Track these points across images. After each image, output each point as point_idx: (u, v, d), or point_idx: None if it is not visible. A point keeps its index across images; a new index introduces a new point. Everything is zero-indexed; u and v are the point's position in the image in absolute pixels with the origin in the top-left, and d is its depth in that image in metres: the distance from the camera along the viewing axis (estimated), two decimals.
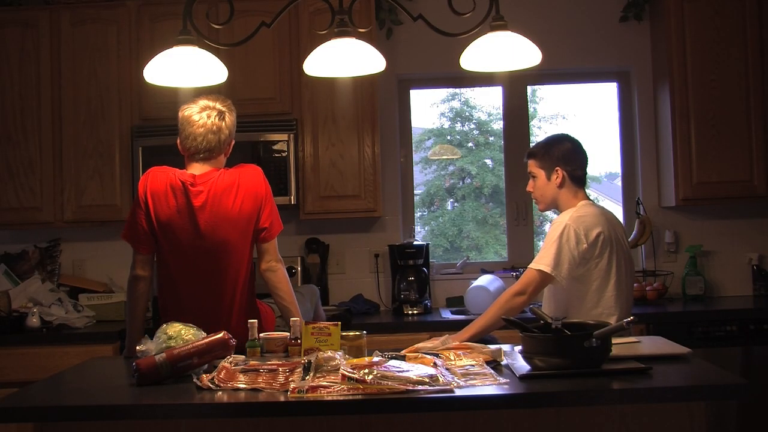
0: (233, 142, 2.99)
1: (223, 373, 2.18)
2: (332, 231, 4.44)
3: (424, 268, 4.24)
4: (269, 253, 2.89)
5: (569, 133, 3.03)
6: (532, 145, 3.14)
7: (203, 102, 2.91)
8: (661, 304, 4.15)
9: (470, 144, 5.12)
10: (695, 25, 4.10)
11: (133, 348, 2.73)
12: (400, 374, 2.03)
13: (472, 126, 5.14)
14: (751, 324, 3.76)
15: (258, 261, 2.93)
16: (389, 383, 2.00)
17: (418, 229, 4.74)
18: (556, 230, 2.76)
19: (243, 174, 2.89)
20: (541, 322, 2.35)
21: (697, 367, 2.24)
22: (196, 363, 2.27)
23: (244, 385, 2.12)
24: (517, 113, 4.64)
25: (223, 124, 2.89)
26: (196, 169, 2.91)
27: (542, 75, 4.53)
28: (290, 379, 2.13)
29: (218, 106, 2.91)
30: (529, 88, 4.72)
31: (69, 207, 4.17)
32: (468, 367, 2.25)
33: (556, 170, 2.90)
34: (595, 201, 2.96)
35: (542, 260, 2.74)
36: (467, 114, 5.11)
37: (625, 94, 4.62)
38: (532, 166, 2.97)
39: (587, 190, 3.00)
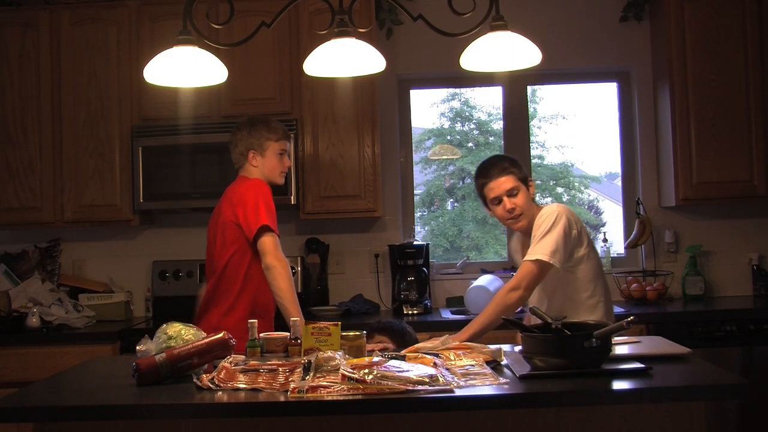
0: (252, 153, 3.22)
1: (223, 373, 2.18)
2: (332, 231, 4.44)
3: (424, 268, 4.24)
4: (263, 252, 3.03)
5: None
6: (499, 155, 3.07)
7: None
8: (661, 304, 4.15)
9: (470, 144, 5.12)
10: (695, 25, 4.10)
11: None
12: (400, 374, 2.03)
13: (472, 126, 5.13)
14: (751, 324, 3.76)
15: None
16: (389, 383, 2.00)
17: (418, 229, 4.74)
18: (549, 219, 2.74)
19: (243, 182, 3.17)
20: (541, 322, 2.35)
21: (697, 367, 2.24)
22: (196, 363, 2.27)
23: (244, 385, 2.12)
24: (517, 113, 4.64)
25: (233, 138, 3.25)
26: None
27: (542, 75, 4.53)
28: (290, 379, 2.13)
29: (238, 121, 3.30)
30: (529, 88, 4.72)
31: (69, 207, 4.17)
32: (468, 367, 2.25)
33: (529, 181, 2.90)
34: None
35: (537, 251, 2.71)
36: (467, 114, 5.11)
37: (625, 94, 4.62)
38: (514, 180, 2.85)
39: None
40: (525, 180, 2.87)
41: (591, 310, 2.80)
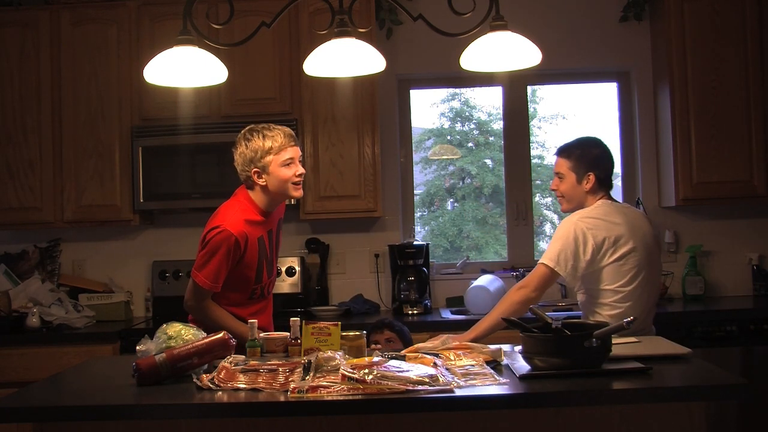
0: (255, 172, 2.77)
1: (223, 373, 2.18)
2: (332, 231, 4.43)
3: (424, 268, 4.24)
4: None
5: (598, 137, 3.00)
6: (564, 143, 3.00)
7: None
8: (661, 304, 4.13)
9: (470, 144, 5.12)
10: (695, 25, 4.09)
11: None
12: (400, 374, 2.03)
13: (472, 126, 5.13)
14: (751, 324, 3.76)
15: None
16: (389, 383, 2.00)
17: (418, 229, 4.74)
18: (562, 228, 2.79)
19: (218, 211, 2.85)
20: (541, 322, 2.35)
21: (697, 367, 2.24)
22: (196, 363, 2.27)
23: (244, 385, 2.12)
24: (517, 113, 4.64)
25: (234, 154, 2.83)
26: None
27: (542, 75, 4.53)
28: (290, 379, 2.13)
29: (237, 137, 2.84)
30: (529, 88, 4.71)
31: (69, 207, 4.17)
32: (468, 367, 2.25)
33: (588, 176, 2.86)
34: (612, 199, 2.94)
35: (546, 255, 2.78)
36: (467, 114, 5.11)
37: (625, 94, 4.62)
38: (563, 166, 2.91)
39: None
40: (581, 171, 2.87)
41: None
